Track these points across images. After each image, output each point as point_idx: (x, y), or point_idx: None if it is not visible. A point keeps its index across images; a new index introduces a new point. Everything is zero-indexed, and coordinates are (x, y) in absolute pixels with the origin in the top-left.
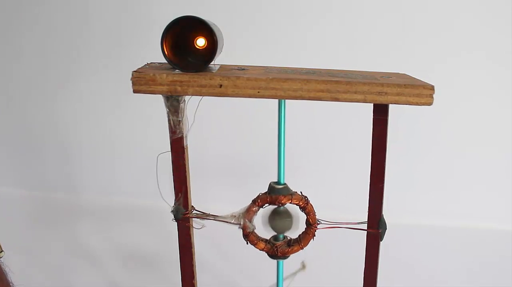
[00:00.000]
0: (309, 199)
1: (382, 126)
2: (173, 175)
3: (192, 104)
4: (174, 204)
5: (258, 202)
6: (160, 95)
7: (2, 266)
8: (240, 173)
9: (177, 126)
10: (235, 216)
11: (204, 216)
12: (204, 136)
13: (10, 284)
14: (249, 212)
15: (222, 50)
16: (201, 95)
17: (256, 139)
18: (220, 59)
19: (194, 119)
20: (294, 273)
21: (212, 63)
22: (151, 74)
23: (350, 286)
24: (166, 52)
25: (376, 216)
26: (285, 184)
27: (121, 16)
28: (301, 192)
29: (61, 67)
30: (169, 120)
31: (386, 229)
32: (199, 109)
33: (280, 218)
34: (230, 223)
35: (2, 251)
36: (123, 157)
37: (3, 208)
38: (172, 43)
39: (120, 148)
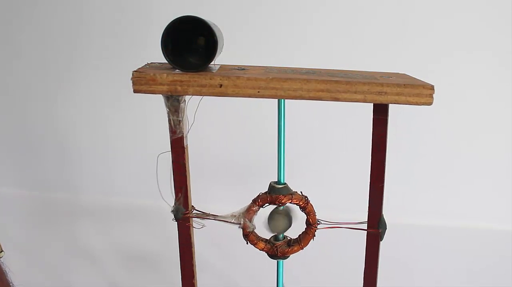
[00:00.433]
0: (309, 199)
1: (382, 126)
2: (173, 175)
3: (192, 104)
4: (174, 204)
5: (259, 201)
6: (160, 95)
7: (2, 266)
8: (240, 173)
9: (177, 126)
10: (235, 216)
11: (204, 216)
12: (204, 136)
13: (10, 284)
14: (249, 212)
15: (222, 50)
16: (201, 95)
17: (256, 139)
18: (220, 59)
19: (194, 119)
20: None
21: (212, 63)
22: (152, 74)
23: (350, 286)
24: (166, 52)
25: (376, 216)
26: (285, 183)
27: (121, 16)
28: (301, 192)
29: (61, 67)
30: (169, 120)
31: (386, 229)
32: (199, 109)
33: (278, 218)
34: (230, 223)
35: (2, 251)
36: (123, 157)
37: (3, 208)
38: (173, 43)
39: (120, 148)
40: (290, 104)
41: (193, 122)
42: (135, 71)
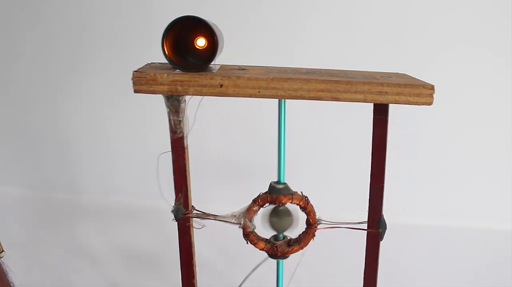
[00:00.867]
0: (309, 199)
1: (382, 125)
2: (173, 175)
3: (193, 104)
4: (174, 204)
5: (259, 201)
6: (161, 95)
7: (2, 266)
8: (240, 173)
9: (178, 126)
10: (235, 215)
11: (204, 216)
12: (205, 136)
13: (10, 284)
14: (249, 212)
15: (223, 50)
16: (201, 95)
17: (256, 139)
18: (220, 59)
19: (194, 119)
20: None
21: (213, 63)
22: (152, 74)
23: (350, 286)
24: (166, 52)
25: (376, 216)
26: (285, 183)
27: (122, 16)
28: (301, 192)
29: (61, 67)
30: (169, 120)
31: (386, 229)
32: (199, 109)
33: (280, 217)
34: (230, 222)
35: (3, 251)
36: (124, 157)
37: (3, 208)
38: (173, 43)
39: (120, 148)
40: (290, 104)
41: (193, 122)
42: (135, 71)
